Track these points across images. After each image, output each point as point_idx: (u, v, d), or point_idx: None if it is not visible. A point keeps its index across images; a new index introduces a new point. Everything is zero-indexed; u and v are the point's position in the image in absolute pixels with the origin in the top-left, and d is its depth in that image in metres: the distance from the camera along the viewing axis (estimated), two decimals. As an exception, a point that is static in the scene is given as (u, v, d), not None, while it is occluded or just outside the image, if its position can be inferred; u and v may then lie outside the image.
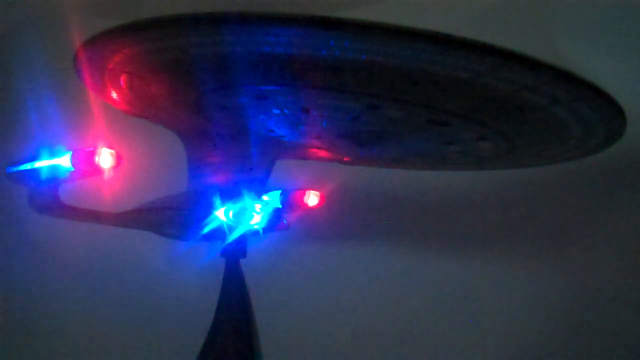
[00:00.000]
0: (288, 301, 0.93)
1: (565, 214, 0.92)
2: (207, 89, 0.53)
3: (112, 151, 0.58)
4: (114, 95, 0.57)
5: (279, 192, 0.73)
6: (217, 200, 0.63)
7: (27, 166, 0.60)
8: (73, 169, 0.58)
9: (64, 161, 0.58)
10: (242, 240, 0.66)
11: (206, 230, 0.64)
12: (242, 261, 0.68)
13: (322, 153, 0.69)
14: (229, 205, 0.63)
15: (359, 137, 0.58)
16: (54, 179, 0.60)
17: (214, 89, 0.52)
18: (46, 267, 0.91)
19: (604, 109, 0.51)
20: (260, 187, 0.66)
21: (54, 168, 0.59)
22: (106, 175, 0.58)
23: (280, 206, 0.71)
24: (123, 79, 0.53)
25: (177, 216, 0.65)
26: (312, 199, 0.73)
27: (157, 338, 0.92)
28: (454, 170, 0.80)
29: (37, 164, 0.60)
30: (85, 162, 0.57)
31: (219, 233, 0.64)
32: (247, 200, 0.63)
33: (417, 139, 0.59)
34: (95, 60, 0.50)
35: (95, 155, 0.57)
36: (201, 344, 0.67)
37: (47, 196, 0.63)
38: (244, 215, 0.64)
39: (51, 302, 0.91)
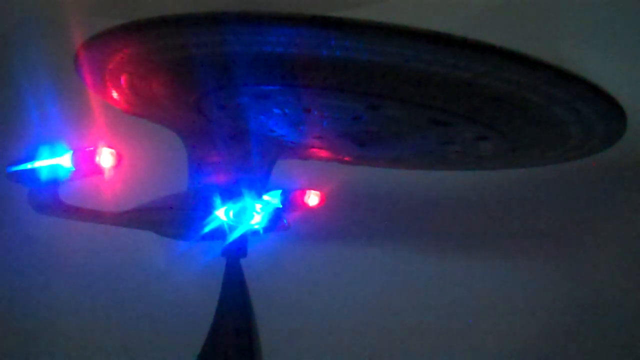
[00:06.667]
0: (288, 301, 0.93)
1: (565, 214, 0.92)
2: (207, 88, 0.53)
3: (112, 151, 0.58)
4: (115, 94, 0.57)
5: (279, 192, 0.73)
6: (217, 200, 0.63)
7: (27, 166, 0.60)
8: (73, 169, 0.58)
9: (65, 161, 0.58)
10: (242, 240, 0.66)
11: (206, 230, 0.64)
12: (242, 261, 0.69)
13: (323, 153, 0.69)
14: (230, 205, 0.63)
15: (359, 137, 0.58)
16: (54, 179, 0.60)
17: (215, 89, 0.52)
18: (46, 266, 0.91)
19: (604, 109, 0.51)
20: (260, 187, 0.66)
21: (54, 168, 0.59)
22: (106, 174, 0.58)
23: (281, 206, 0.71)
24: (123, 79, 0.53)
25: (177, 216, 0.65)
26: (312, 199, 0.73)
27: (157, 338, 0.91)
28: (454, 170, 0.80)
29: (37, 164, 0.59)
30: (86, 161, 0.57)
31: (219, 233, 0.64)
32: (247, 200, 0.63)
33: (417, 139, 0.59)
34: (96, 59, 0.50)
35: (95, 155, 0.57)
36: (201, 344, 0.67)
37: (47, 196, 0.62)
38: (245, 215, 0.64)
39: (51, 302, 0.91)
